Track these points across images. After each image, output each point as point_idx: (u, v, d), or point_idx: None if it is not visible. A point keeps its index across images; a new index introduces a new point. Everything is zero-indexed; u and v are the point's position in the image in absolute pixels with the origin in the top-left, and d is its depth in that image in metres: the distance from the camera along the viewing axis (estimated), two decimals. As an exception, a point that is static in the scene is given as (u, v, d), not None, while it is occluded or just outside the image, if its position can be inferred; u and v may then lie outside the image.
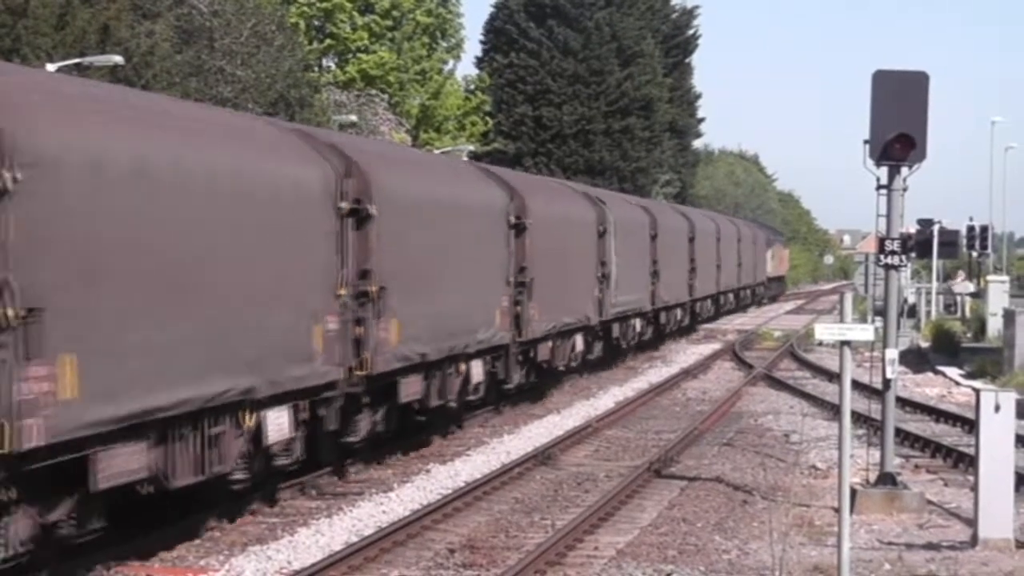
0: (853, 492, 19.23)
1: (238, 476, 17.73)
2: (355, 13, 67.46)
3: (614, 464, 24.28)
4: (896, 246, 20.27)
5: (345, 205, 20.33)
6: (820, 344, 47.79)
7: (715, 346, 51.91)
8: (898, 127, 19.82)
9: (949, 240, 59.15)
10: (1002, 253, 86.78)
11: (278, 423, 18.39)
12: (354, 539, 17.61)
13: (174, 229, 15.67)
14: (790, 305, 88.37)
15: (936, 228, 57.66)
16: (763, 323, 66.22)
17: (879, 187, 20.37)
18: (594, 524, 18.82)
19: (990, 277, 55.07)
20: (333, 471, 21.92)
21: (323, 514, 19.34)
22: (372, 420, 22.11)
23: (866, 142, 20.08)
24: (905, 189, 20.34)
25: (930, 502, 20.50)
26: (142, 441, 15.25)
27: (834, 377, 33.01)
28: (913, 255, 51.65)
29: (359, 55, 67.28)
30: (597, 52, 78.70)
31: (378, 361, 21.25)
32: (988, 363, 40.03)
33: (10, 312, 13.03)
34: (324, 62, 67.94)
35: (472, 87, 78.00)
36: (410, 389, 23.09)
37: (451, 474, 22.72)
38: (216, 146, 17.44)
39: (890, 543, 18.07)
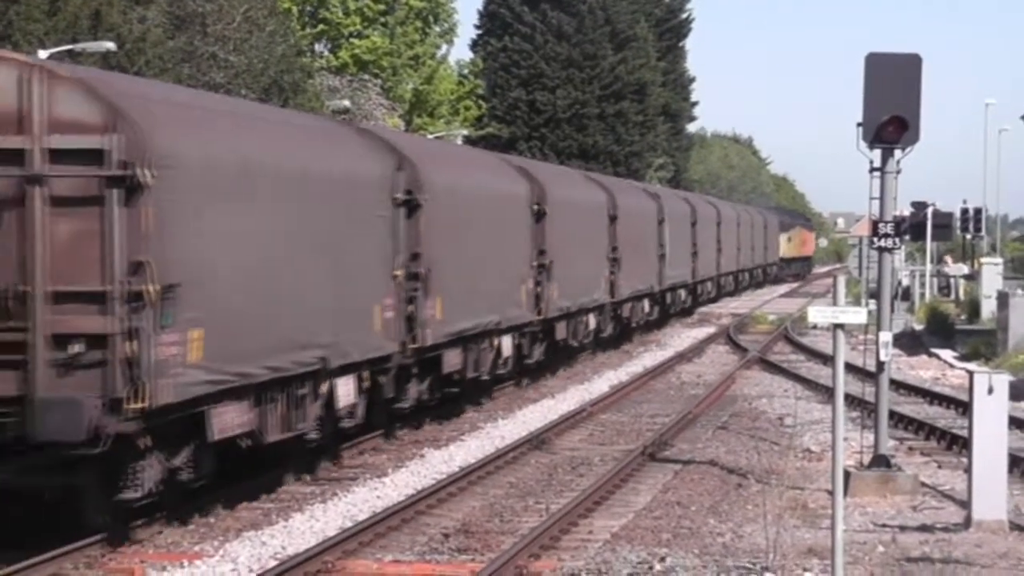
0: (847, 475, 19.28)
1: (485, 377, 28.46)
2: (348, -2, 67.35)
3: (608, 448, 24.30)
4: (889, 229, 20.28)
5: (535, 208, 31.65)
6: (814, 327, 47.82)
7: (710, 330, 51.94)
8: (891, 110, 19.81)
9: (943, 222, 59.20)
10: (996, 235, 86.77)
11: (508, 344, 29.42)
12: (348, 524, 17.62)
13: (477, 229, 27.01)
14: (784, 288, 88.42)
15: (930, 210, 57.69)
16: (757, 307, 66.24)
17: (872, 170, 20.37)
18: (588, 508, 18.84)
19: (984, 259, 55.07)
20: (515, 383, 32.45)
21: (317, 499, 19.35)
22: (541, 349, 33.03)
23: (859, 125, 20.08)
24: (898, 172, 20.35)
25: (924, 484, 20.54)
26: (458, 347, 26.04)
27: (828, 360, 33.04)
28: (907, 238, 51.74)
29: (352, 40, 67.20)
30: (591, 36, 78.63)
31: (548, 310, 32.38)
32: (982, 345, 40.08)
33: (421, 271, 23.48)
34: (317, 47, 67.83)
35: (465, 71, 77.92)
36: (561, 331, 34.33)
37: (445, 459, 22.74)
38: (487, 175, 29.85)
39: (884, 525, 18.10)
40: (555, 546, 16.70)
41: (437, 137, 55.88)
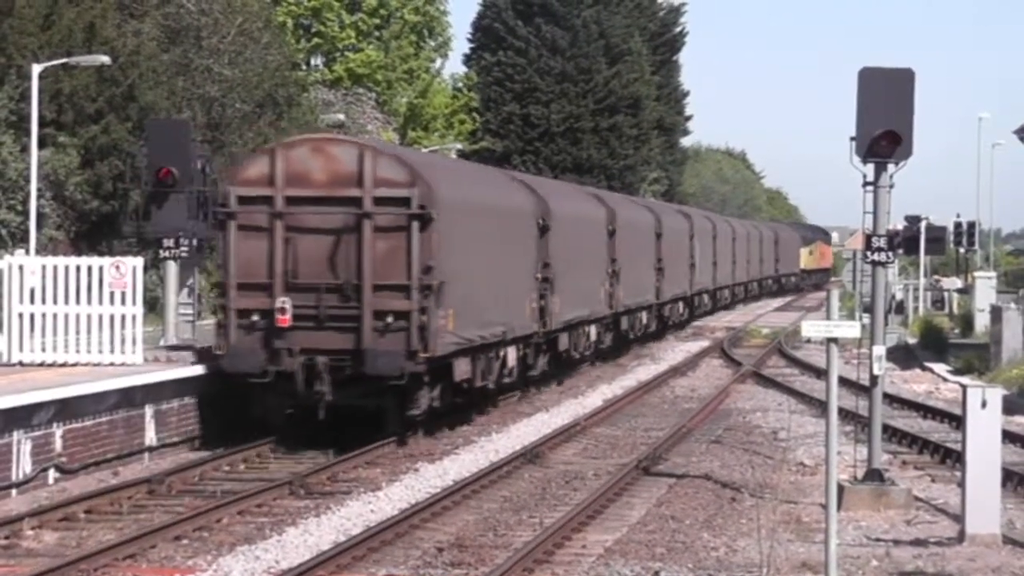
0: (841, 488, 19.27)
1: (578, 356, 37.25)
2: (343, 12, 67.46)
3: (602, 462, 24.28)
4: (883, 243, 20.31)
5: (609, 227, 40.36)
6: (808, 341, 47.78)
7: (704, 343, 51.89)
8: (884, 124, 19.85)
9: (936, 236, 59.23)
10: (989, 249, 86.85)
11: (593, 332, 38.26)
12: (342, 538, 17.58)
13: (578, 244, 35.62)
14: (778, 302, 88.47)
15: (923, 224, 57.72)
16: (751, 320, 66.25)
17: (866, 184, 20.40)
18: (582, 522, 18.82)
19: (977, 273, 55.08)
20: (597, 360, 41.22)
21: (311, 513, 19.32)
22: (610, 337, 41.42)
23: (853, 139, 20.11)
24: (892, 186, 20.38)
25: (917, 498, 20.54)
26: (567, 333, 34.93)
27: (822, 374, 33.04)
28: (900, 251, 51.66)
29: (347, 54, 67.31)
30: (585, 50, 78.74)
31: (617, 306, 40.98)
32: (975, 359, 40.09)
33: (549, 275, 32.34)
34: (312, 61, 67.91)
35: (460, 85, 77.99)
36: (624, 323, 42.94)
37: (440, 473, 22.70)
38: (580, 203, 39.08)
39: (878, 539, 18.11)
40: (549, 560, 16.68)
41: (431, 151, 55.89)
